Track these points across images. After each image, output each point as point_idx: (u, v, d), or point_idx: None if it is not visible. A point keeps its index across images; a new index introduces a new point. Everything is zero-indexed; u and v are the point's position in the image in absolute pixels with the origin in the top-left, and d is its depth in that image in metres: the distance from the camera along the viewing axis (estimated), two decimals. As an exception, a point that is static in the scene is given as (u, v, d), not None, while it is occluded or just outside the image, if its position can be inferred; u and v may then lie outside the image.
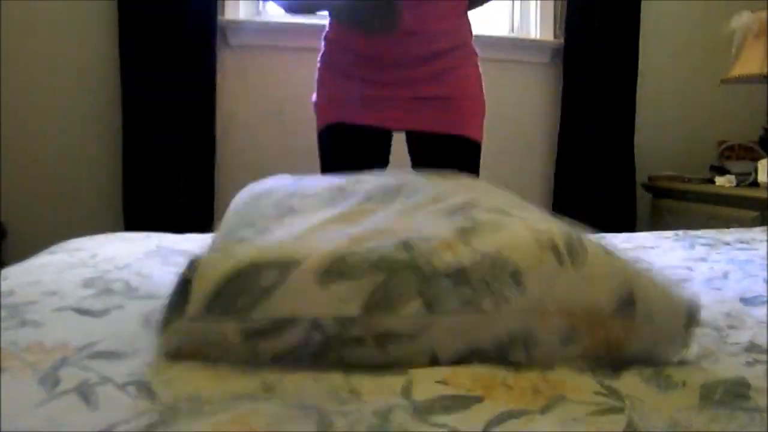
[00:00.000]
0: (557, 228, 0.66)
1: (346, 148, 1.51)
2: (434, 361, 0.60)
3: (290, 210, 0.78)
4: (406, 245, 0.62)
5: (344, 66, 1.49)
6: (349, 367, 0.58)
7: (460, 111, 1.48)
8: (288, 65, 2.49)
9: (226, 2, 2.45)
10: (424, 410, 0.50)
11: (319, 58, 1.54)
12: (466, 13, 1.51)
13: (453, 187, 0.84)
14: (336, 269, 0.59)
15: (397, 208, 0.77)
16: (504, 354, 0.60)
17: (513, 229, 0.66)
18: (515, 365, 0.60)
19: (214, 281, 0.58)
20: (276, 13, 2.57)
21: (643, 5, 2.66)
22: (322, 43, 1.53)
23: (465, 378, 0.56)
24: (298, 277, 0.58)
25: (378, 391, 0.53)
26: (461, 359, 0.60)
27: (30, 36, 2.34)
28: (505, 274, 0.60)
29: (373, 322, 0.58)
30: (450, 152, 1.48)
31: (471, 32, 1.52)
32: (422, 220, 0.71)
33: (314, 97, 1.55)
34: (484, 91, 1.53)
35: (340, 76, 1.50)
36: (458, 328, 0.59)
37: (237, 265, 0.59)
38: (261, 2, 2.56)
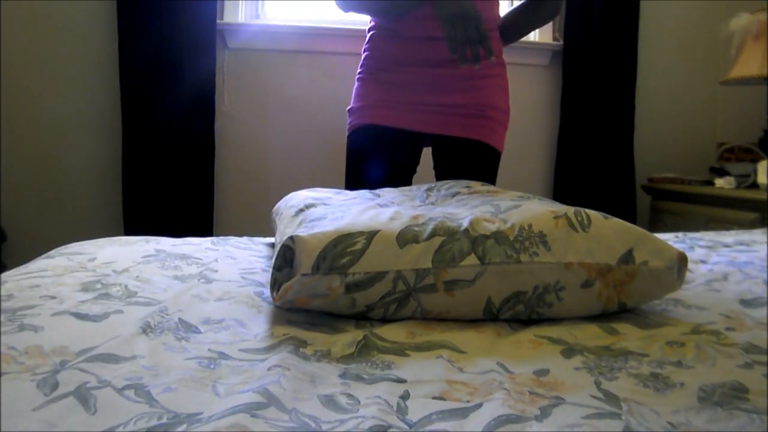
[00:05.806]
0: (563, 206, 0.85)
1: (375, 147, 1.54)
2: (489, 304, 0.76)
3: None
4: (453, 219, 0.81)
5: (380, 73, 1.53)
6: (349, 376, 0.59)
7: (488, 120, 1.52)
8: (286, 67, 2.50)
9: (226, 5, 2.46)
10: (420, 424, 0.50)
11: (357, 72, 1.58)
12: (497, 30, 1.55)
13: (476, 189, 1.07)
14: (407, 235, 0.76)
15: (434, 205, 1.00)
16: (540, 295, 0.77)
17: (531, 208, 0.85)
18: (548, 305, 0.77)
19: (319, 246, 0.74)
20: (274, 17, 2.58)
21: (642, 7, 2.66)
22: (362, 56, 1.57)
23: (461, 392, 0.56)
24: (382, 240, 0.76)
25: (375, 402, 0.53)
26: (508, 300, 0.76)
27: (30, 36, 2.35)
28: (533, 236, 0.78)
29: (441, 272, 0.74)
30: (473, 159, 1.52)
31: (501, 48, 1.56)
32: (459, 210, 0.90)
33: (350, 105, 1.58)
34: (509, 103, 1.57)
35: (375, 82, 1.54)
36: (504, 276, 0.75)
37: (334, 234, 0.76)
38: (260, 5, 2.56)
